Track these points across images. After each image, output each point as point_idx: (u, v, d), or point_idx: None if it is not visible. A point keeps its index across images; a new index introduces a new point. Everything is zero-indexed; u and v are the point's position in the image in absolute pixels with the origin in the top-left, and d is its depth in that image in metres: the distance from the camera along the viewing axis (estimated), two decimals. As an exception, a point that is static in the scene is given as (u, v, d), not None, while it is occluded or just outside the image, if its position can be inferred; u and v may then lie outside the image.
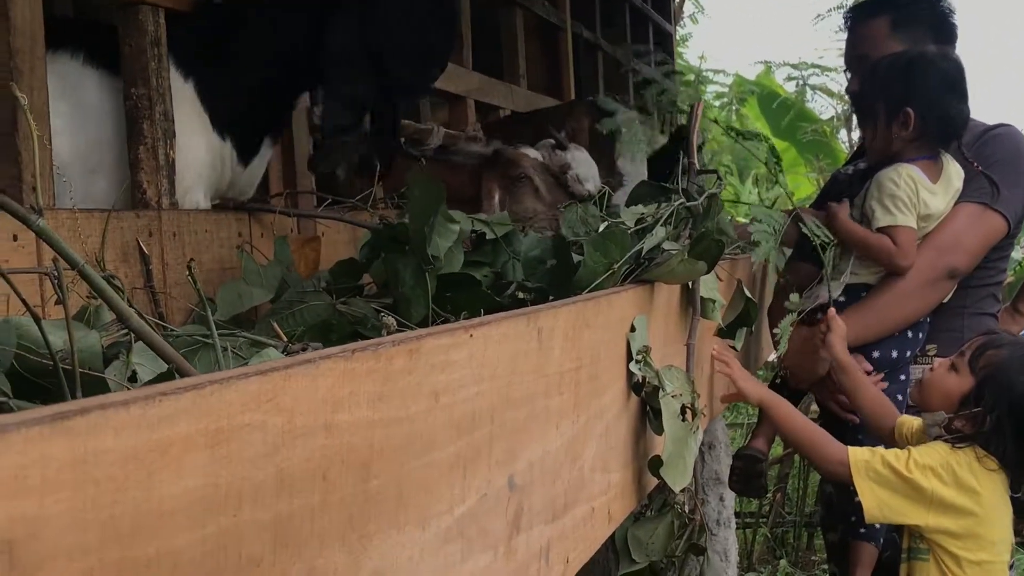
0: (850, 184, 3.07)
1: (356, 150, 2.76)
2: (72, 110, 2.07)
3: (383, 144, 2.82)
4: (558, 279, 1.99)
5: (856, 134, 11.38)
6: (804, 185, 11.50)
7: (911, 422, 2.60)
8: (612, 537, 2.05)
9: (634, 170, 4.29)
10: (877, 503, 2.37)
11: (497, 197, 3.30)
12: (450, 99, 4.28)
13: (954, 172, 2.88)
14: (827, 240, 2.89)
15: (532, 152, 3.46)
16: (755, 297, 2.74)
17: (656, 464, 1.94)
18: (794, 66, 13.43)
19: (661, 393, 1.92)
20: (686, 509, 2.29)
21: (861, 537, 2.91)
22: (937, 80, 2.82)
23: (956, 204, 2.89)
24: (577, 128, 4.21)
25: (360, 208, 2.65)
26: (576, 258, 2.01)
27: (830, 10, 10.34)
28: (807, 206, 3.23)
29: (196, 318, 1.81)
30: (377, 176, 2.74)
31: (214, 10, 2.28)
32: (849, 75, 3.34)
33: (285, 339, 1.51)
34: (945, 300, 2.98)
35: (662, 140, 4.22)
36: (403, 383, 1.03)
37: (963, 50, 3.18)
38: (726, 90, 14.25)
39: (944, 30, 3.18)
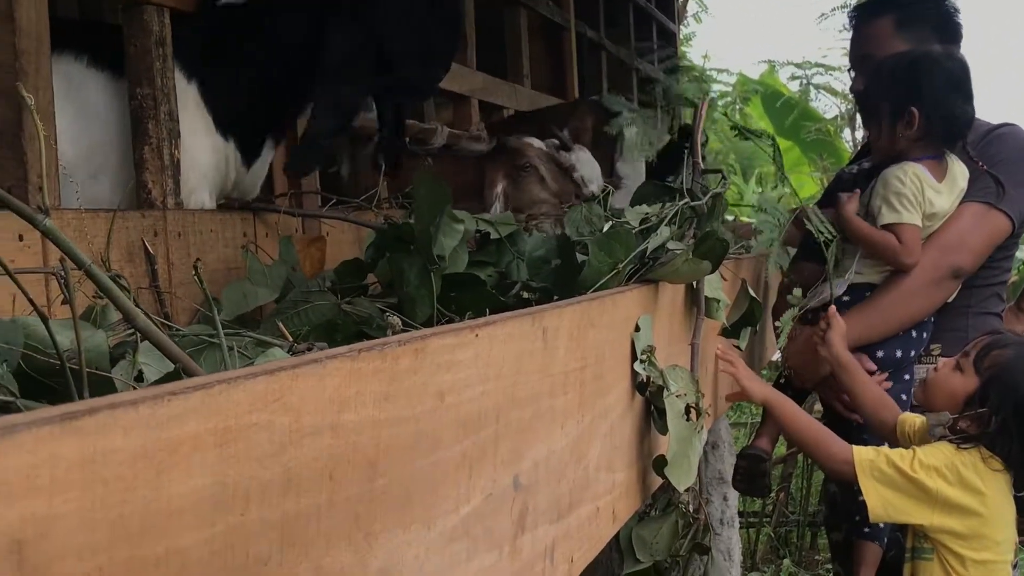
0: (855, 183, 3.07)
1: (332, 152, 2.77)
2: (77, 111, 2.07)
3: (388, 144, 2.83)
4: (562, 279, 1.99)
5: (860, 133, 11.37)
6: (808, 184, 11.48)
7: (913, 420, 2.60)
8: (616, 536, 2.05)
9: (633, 172, 4.30)
10: (882, 503, 2.37)
11: (501, 187, 3.31)
12: (454, 99, 4.28)
13: (959, 172, 2.88)
14: (831, 237, 2.89)
15: (536, 142, 3.47)
16: (759, 297, 2.74)
17: (660, 463, 1.95)
18: (798, 65, 13.42)
19: (665, 393, 1.92)
20: (690, 508, 2.29)
21: (865, 536, 2.91)
22: (942, 80, 2.82)
23: (961, 203, 2.89)
24: (580, 128, 4.21)
25: (364, 208, 2.66)
26: (580, 258, 2.01)
27: (834, 9, 10.34)
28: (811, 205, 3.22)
29: (201, 318, 1.82)
30: (382, 175, 2.74)
31: (218, 12, 2.29)
32: (853, 74, 3.34)
33: (290, 339, 1.51)
34: (949, 300, 2.97)
35: (668, 138, 4.21)
36: (409, 383, 1.04)
37: (965, 49, 3.17)
38: (730, 89, 14.24)
39: (948, 29, 3.17)
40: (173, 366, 1.13)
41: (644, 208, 2.25)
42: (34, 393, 1.08)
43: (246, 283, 1.95)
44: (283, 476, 0.82)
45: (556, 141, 3.52)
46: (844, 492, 2.97)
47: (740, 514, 6.21)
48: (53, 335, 1.03)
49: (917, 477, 2.33)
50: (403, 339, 1.04)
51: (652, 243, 2.06)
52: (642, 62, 7.34)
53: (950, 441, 2.37)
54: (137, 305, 1.14)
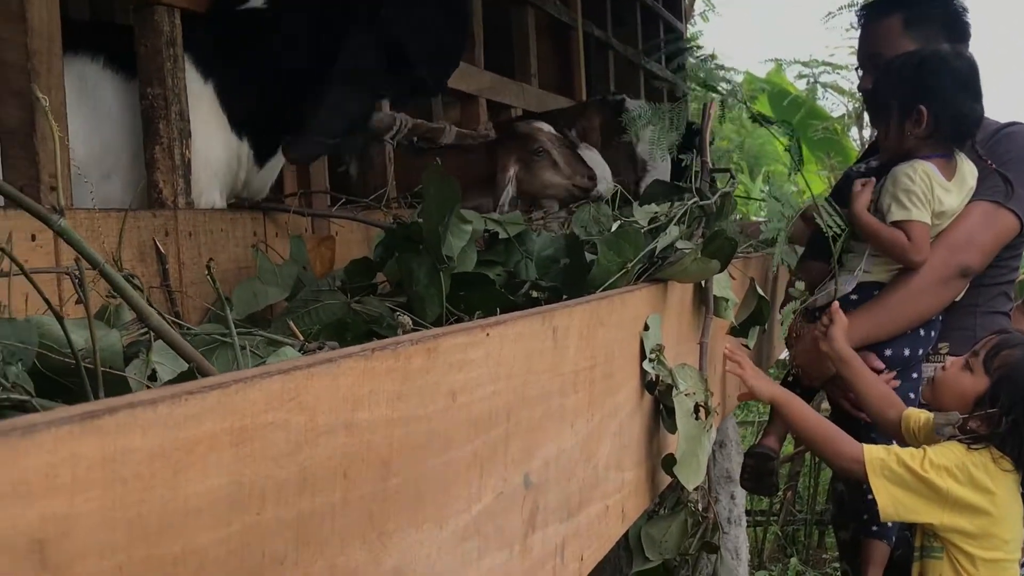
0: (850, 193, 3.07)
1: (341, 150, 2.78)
2: (91, 112, 2.09)
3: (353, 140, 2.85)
4: (571, 278, 2.00)
5: (867, 132, 11.35)
6: (815, 183, 11.46)
7: (918, 415, 2.60)
8: (624, 535, 2.06)
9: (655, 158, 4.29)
10: (892, 502, 2.36)
11: (513, 171, 3.32)
12: (462, 98, 4.29)
13: (968, 171, 2.88)
14: (840, 231, 2.89)
15: (546, 126, 3.49)
16: (768, 295, 2.74)
17: (670, 462, 1.95)
18: (805, 64, 13.37)
19: (674, 391, 1.93)
20: (699, 507, 2.30)
21: (873, 535, 2.91)
22: (950, 78, 2.82)
23: (970, 202, 2.89)
24: (588, 127, 4.22)
25: (373, 207, 2.67)
26: (589, 257, 2.02)
27: (841, 8, 10.29)
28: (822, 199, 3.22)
29: (213, 317, 1.83)
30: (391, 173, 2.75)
31: (239, 15, 2.30)
32: (861, 73, 3.33)
33: (302, 338, 1.52)
34: (957, 298, 2.97)
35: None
36: (421, 382, 1.04)
37: (974, 49, 3.17)
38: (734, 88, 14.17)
39: (957, 29, 3.17)
40: (186, 365, 1.13)
41: (653, 207, 2.25)
42: (49, 392, 1.09)
43: (256, 282, 1.96)
44: (298, 475, 0.82)
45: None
46: (852, 491, 2.97)
47: (747, 513, 6.21)
48: (68, 334, 1.03)
49: (928, 477, 2.33)
50: (415, 338, 1.04)
51: (661, 242, 2.06)
52: (649, 61, 7.34)
53: (960, 441, 2.37)
54: (150, 304, 1.15)
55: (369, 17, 2.28)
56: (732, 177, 2.50)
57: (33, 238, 1.62)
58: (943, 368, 2.59)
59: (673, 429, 1.94)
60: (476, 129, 4.01)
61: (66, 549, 0.60)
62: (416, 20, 2.36)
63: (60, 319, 1.05)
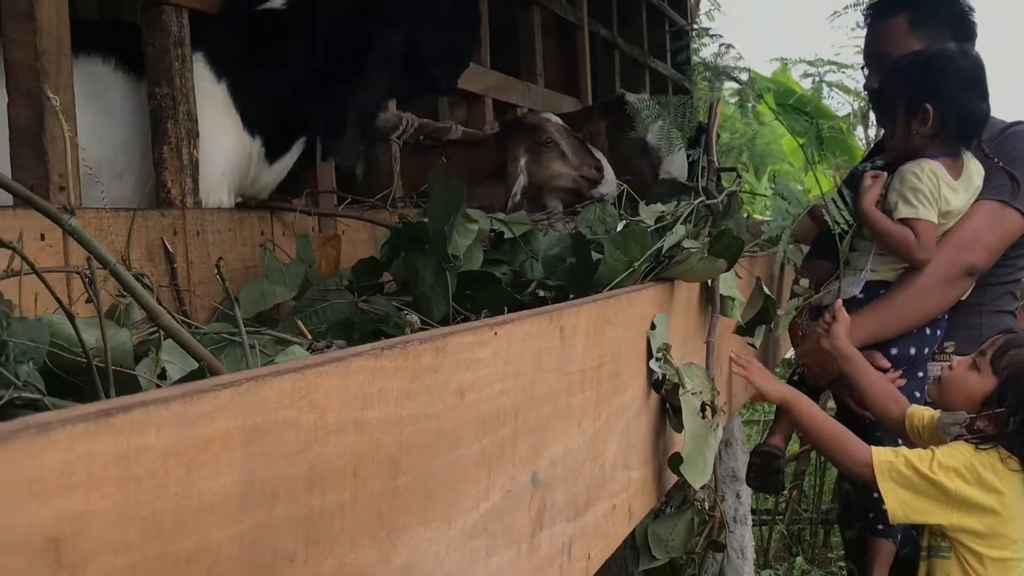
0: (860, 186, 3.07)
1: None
2: (103, 112, 2.10)
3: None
4: (578, 277, 2.00)
5: (873, 131, 11.35)
6: (821, 181, 11.45)
7: (922, 413, 2.60)
8: (632, 534, 2.06)
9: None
10: (900, 505, 2.36)
11: (523, 162, 3.33)
12: (468, 97, 4.29)
13: (975, 170, 2.88)
14: (847, 228, 2.89)
15: (554, 117, 3.50)
16: (774, 294, 2.75)
17: (676, 461, 1.95)
18: (810, 63, 13.38)
19: (681, 390, 1.93)
20: (706, 506, 2.30)
21: (879, 533, 2.91)
22: (956, 77, 2.82)
23: (976, 201, 2.89)
24: (595, 132, 4.22)
25: (379, 207, 2.67)
26: (596, 256, 2.02)
27: (846, 7, 10.31)
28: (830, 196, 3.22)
29: (221, 316, 1.83)
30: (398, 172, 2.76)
31: (256, 15, 2.32)
32: (867, 72, 3.34)
33: (309, 337, 1.52)
34: (963, 297, 2.97)
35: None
36: (430, 380, 1.05)
37: (983, 48, 3.17)
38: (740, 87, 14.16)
39: (963, 28, 3.17)
40: (195, 364, 1.14)
41: (659, 206, 2.25)
42: (59, 391, 1.09)
43: (264, 281, 1.97)
44: (309, 473, 0.83)
45: None
46: (857, 489, 2.97)
47: (753, 512, 6.21)
48: (80, 334, 1.04)
49: (936, 478, 2.32)
50: (424, 337, 1.05)
51: (667, 241, 2.06)
52: (655, 60, 7.35)
53: (967, 441, 2.37)
54: (160, 304, 1.15)
55: (386, 18, 2.30)
56: (739, 176, 2.51)
57: (42, 237, 1.62)
58: (950, 367, 2.59)
59: (680, 428, 1.95)
60: (482, 128, 4.01)
61: (81, 547, 0.60)
62: (431, 20, 2.38)
63: (71, 318, 1.05)
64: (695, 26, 7.34)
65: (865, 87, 3.44)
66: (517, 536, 1.29)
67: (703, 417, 1.96)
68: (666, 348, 1.94)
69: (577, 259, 2.05)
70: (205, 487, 0.70)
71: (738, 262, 2.31)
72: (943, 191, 2.81)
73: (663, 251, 2.06)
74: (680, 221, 2.17)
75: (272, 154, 2.33)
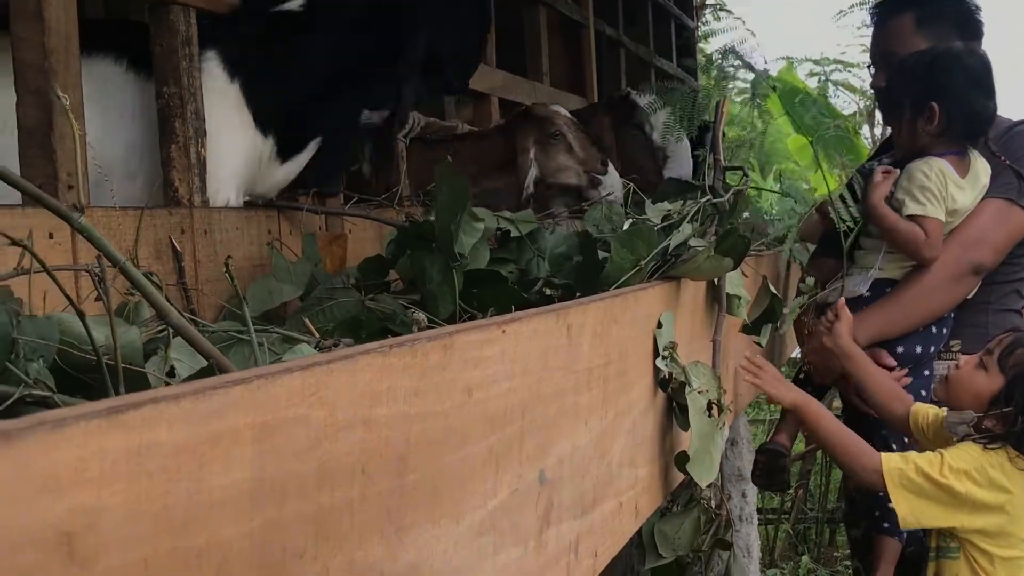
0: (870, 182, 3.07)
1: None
2: (117, 112, 2.11)
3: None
4: (585, 275, 2.00)
5: (879, 130, 11.33)
6: (828, 180, 11.43)
7: (927, 411, 2.59)
8: (638, 532, 2.06)
9: (676, 148, 4.30)
10: (911, 511, 2.35)
11: (532, 153, 3.35)
12: (474, 96, 4.30)
13: (981, 168, 2.88)
14: (852, 226, 2.89)
15: (563, 110, 3.52)
16: (780, 293, 2.75)
17: (683, 459, 1.96)
18: (816, 62, 13.37)
19: (688, 389, 1.93)
20: (712, 504, 2.30)
21: (884, 532, 2.91)
22: (963, 76, 2.82)
23: (982, 200, 2.89)
24: (601, 129, 4.23)
25: (386, 206, 2.68)
26: (602, 255, 2.02)
27: (852, 6, 10.29)
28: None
29: (228, 314, 1.84)
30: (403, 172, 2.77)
31: (272, 15, 2.33)
32: (874, 70, 3.34)
33: (317, 335, 1.53)
34: (969, 296, 2.97)
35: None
36: (438, 378, 1.05)
37: (989, 47, 3.17)
38: (747, 86, 14.16)
39: (969, 27, 3.17)
40: (204, 362, 1.14)
41: (666, 205, 2.26)
42: (69, 388, 1.10)
43: (271, 280, 1.97)
44: (318, 470, 0.83)
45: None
46: (863, 488, 2.97)
47: (759, 511, 6.21)
48: (90, 332, 1.05)
49: (947, 483, 2.31)
50: (432, 335, 1.05)
51: (674, 240, 2.07)
52: (661, 59, 7.35)
53: (975, 441, 2.36)
54: (169, 302, 1.16)
55: (402, 21, 2.31)
56: (745, 175, 2.51)
57: (51, 236, 1.63)
58: (956, 367, 2.58)
59: (686, 426, 1.95)
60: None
61: (93, 542, 0.61)
62: (445, 21, 2.40)
63: (82, 316, 1.06)
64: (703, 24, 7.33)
65: (872, 85, 3.44)
66: (524, 534, 1.30)
67: (709, 415, 1.96)
68: (672, 346, 1.95)
69: (584, 257, 2.05)
70: (216, 483, 0.71)
71: (744, 260, 2.31)
72: (950, 189, 2.81)
73: (669, 250, 2.06)
74: (687, 219, 2.17)
75: (283, 154, 2.34)
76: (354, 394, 0.89)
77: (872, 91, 3.71)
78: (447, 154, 3.25)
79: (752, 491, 5.22)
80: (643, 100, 4.32)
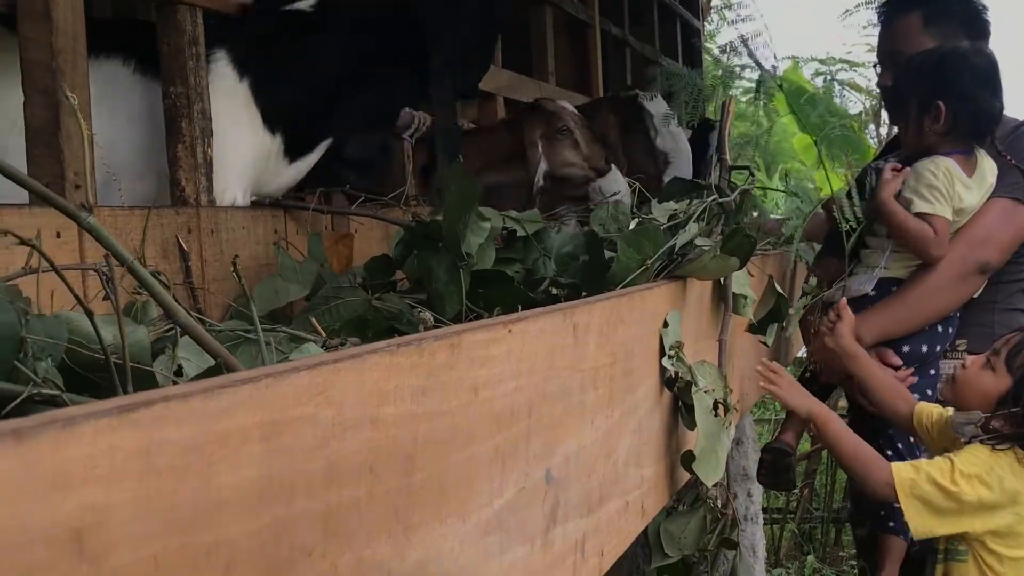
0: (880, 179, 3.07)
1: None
2: (129, 113, 2.12)
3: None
4: (591, 275, 2.00)
5: (885, 129, 11.32)
6: (832, 180, 11.43)
7: (930, 410, 2.59)
8: (644, 531, 2.06)
9: (675, 146, 4.31)
10: (923, 523, 2.34)
11: (541, 146, 3.36)
12: (480, 96, 4.30)
13: (988, 168, 2.88)
14: (855, 226, 2.88)
15: (570, 106, 3.53)
16: (786, 293, 2.75)
17: (689, 459, 1.96)
18: (822, 61, 13.34)
19: (694, 388, 1.93)
20: (718, 504, 2.30)
21: (890, 531, 2.91)
22: (970, 75, 2.82)
23: (988, 199, 2.89)
24: (605, 126, 4.23)
25: (392, 205, 2.68)
26: (608, 254, 2.02)
27: (858, 6, 10.28)
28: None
29: (235, 313, 1.84)
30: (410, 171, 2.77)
31: (283, 15, 2.33)
32: (880, 69, 3.34)
33: (323, 334, 1.53)
34: (975, 295, 2.97)
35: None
36: (445, 377, 1.05)
37: (996, 47, 3.17)
38: (753, 85, 14.14)
39: (976, 26, 3.17)
40: (211, 361, 1.15)
41: (672, 204, 2.26)
42: (77, 387, 1.10)
43: (278, 279, 1.98)
44: (326, 469, 0.83)
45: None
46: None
47: (764, 510, 6.20)
48: (99, 331, 1.05)
49: (959, 491, 2.29)
50: (439, 334, 1.05)
51: (680, 239, 2.07)
52: (666, 58, 7.35)
53: (982, 442, 2.35)
54: (176, 301, 1.16)
55: (413, 24, 2.32)
56: (751, 175, 2.51)
57: (58, 235, 1.63)
58: (962, 367, 2.57)
59: (692, 426, 1.95)
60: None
61: (103, 538, 0.61)
62: (456, 26, 2.40)
63: (90, 315, 1.06)
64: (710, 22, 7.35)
65: (878, 84, 3.44)
66: (531, 532, 1.30)
67: (715, 415, 1.96)
68: (679, 346, 1.95)
69: (590, 257, 2.05)
70: (224, 481, 0.71)
71: (750, 260, 2.31)
72: (957, 188, 2.81)
73: (676, 249, 2.06)
74: (693, 219, 2.17)
75: (291, 153, 2.34)
76: (362, 393, 0.89)
77: (878, 90, 3.71)
78: (466, 149, 3.27)
79: (758, 490, 5.21)
80: (649, 103, 4.33)
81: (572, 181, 3.47)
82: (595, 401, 1.56)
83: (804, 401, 2.57)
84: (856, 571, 3.78)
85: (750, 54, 3.23)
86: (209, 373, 1.13)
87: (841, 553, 7.14)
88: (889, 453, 2.92)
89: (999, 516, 2.33)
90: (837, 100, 13.41)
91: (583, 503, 1.51)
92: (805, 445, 6.52)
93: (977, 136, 2.86)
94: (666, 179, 3.91)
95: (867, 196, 2.90)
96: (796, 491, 6.94)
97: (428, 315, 1.65)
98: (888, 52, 3.28)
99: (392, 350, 0.95)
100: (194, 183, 2.08)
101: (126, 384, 1.04)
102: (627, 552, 1.92)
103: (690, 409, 1.95)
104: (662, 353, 1.93)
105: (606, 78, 6.03)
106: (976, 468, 2.30)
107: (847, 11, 9.97)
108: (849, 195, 2.93)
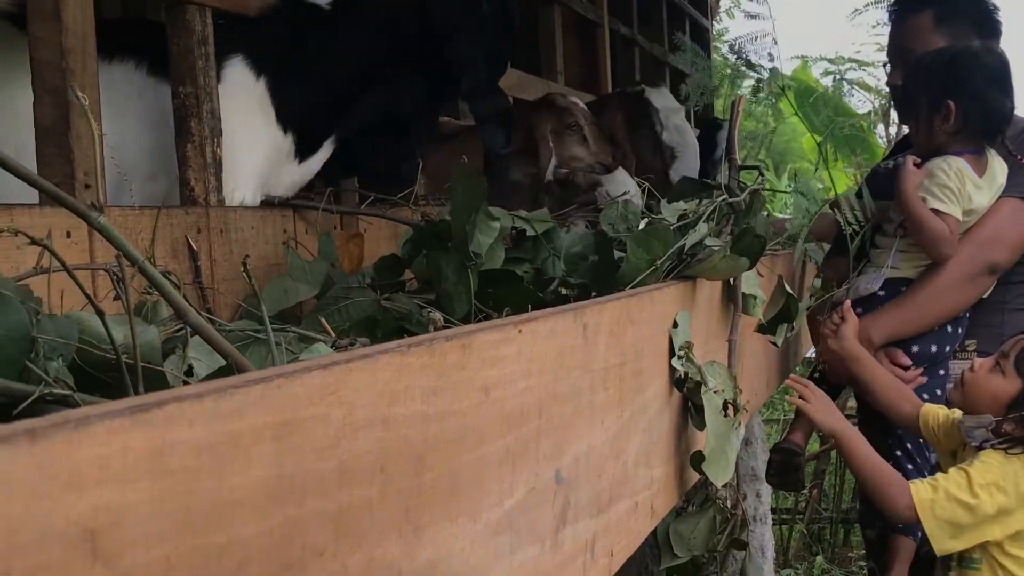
0: (890, 178, 3.06)
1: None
2: (140, 114, 2.12)
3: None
4: (600, 275, 2.00)
5: (894, 129, 11.30)
6: (841, 180, 11.42)
7: (936, 412, 2.58)
8: (653, 532, 2.06)
9: (681, 140, 4.31)
10: (946, 543, 2.33)
11: (551, 140, 3.37)
12: (488, 96, 4.29)
13: (999, 168, 2.87)
14: (858, 229, 2.88)
15: (581, 103, 3.54)
16: (796, 293, 2.74)
17: (698, 459, 1.95)
18: (831, 60, 13.32)
19: (703, 389, 1.93)
20: (727, 504, 2.30)
21: (899, 531, 2.91)
22: (980, 74, 2.81)
23: (998, 199, 2.88)
24: (613, 123, 4.23)
25: (401, 205, 2.68)
26: (618, 254, 2.02)
27: (867, 5, 10.26)
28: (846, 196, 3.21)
29: (244, 313, 1.84)
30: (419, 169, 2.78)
31: (299, 12, 2.34)
32: (890, 68, 3.33)
33: (333, 334, 1.53)
34: (985, 295, 2.96)
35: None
36: (456, 377, 1.05)
37: (1007, 47, 3.17)
38: (758, 84, 14.12)
39: (987, 26, 3.17)
40: (221, 361, 1.15)
41: (681, 204, 2.25)
42: (88, 387, 1.10)
43: (287, 279, 1.98)
44: (338, 468, 0.83)
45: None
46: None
47: (773, 511, 6.20)
48: (110, 331, 1.05)
49: (978, 504, 2.28)
50: (450, 335, 1.05)
51: (690, 239, 2.06)
52: (675, 58, 7.34)
53: (994, 447, 2.34)
54: (187, 301, 1.16)
55: (429, 25, 2.33)
56: (761, 174, 2.50)
57: (68, 235, 1.64)
58: (971, 370, 2.56)
59: (702, 426, 1.95)
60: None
61: (117, 538, 0.61)
62: (472, 28, 2.41)
63: (101, 315, 1.06)
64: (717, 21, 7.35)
65: (888, 84, 3.43)
66: (541, 533, 1.30)
67: (725, 415, 1.96)
68: (688, 346, 1.94)
69: (599, 257, 2.05)
70: (236, 482, 0.71)
71: (760, 260, 2.31)
72: (968, 188, 2.80)
73: (685, 249, 2.06)
74: (702, 219, 2.17)
75: (302, 152, 2.34)
76: (373, 393, 0.89)
77: (888, 90, 3.71)
78: (460, 148, 3.26)
79: (767, 491, 5.21)
80: (655, 96, 4.33)
81: (578, 183, 3.47)
82: (605, 401, 1.56)
83: (829, 419, 2.56)
84: (865, 572, 3.78)
85: (746, 61, 3.22)
86: (220, 373, 1.13)
87: (850, 554, 7.14)
88: (899, 453, 2.92)
89: (1016, 519, 2.33)
90: (847, 100, 13.40)
91: (593, 503, 1.51)
92: (814, 445, 6.51)
93: (988, 136, 2.86)
94: (672, 174, 3.92)
95: (894, 186, 2.88)
96: (805, 491, 6.94)
97: (438, 315, 1.65)
98: (899, 51, 3.27)
99: (403, 350, 0.95)
100: (203, 183, 2.09)
101: (137, 384, 1.05)
102: (636, 553, 1.92)
103: (700, 409, 1.94)
104: (672, 353, 1.93)
105: (615, 77, 6.03)
106: (992, 475, 2.29)
107: (856, 10, 9.95)
108: (859, 194, 2.93)
